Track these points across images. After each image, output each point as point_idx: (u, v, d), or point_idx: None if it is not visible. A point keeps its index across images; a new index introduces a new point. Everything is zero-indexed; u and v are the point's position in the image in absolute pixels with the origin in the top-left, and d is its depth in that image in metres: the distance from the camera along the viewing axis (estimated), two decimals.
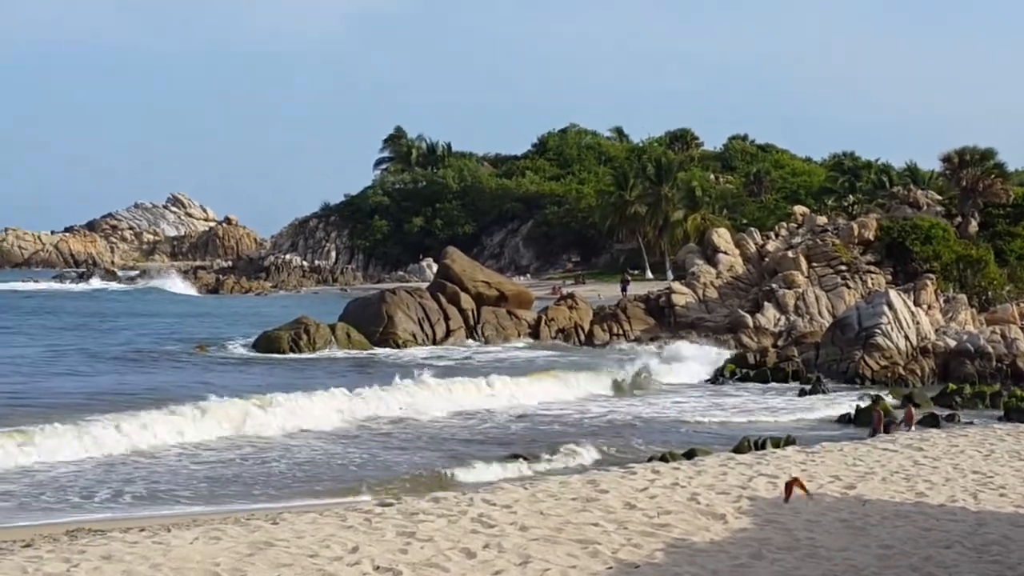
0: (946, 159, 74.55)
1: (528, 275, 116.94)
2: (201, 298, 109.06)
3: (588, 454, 28.08)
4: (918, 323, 52.57)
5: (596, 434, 32.36)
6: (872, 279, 63.38)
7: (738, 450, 30.24)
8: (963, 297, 60.15)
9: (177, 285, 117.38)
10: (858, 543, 15.75)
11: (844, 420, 37.20)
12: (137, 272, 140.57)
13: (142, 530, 18.59)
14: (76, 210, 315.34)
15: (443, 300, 63.65)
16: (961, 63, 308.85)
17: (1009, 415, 39.40)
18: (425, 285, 71.78)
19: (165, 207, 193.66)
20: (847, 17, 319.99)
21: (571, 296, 71.68)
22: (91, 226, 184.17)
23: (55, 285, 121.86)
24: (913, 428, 31.77)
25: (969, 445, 25.10)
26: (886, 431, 32.09)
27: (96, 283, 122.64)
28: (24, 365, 49.11)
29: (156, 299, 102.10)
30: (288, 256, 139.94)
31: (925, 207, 73.93)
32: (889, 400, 41.09)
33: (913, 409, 35.46)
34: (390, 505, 17.73)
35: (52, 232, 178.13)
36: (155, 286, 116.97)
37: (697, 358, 52.99)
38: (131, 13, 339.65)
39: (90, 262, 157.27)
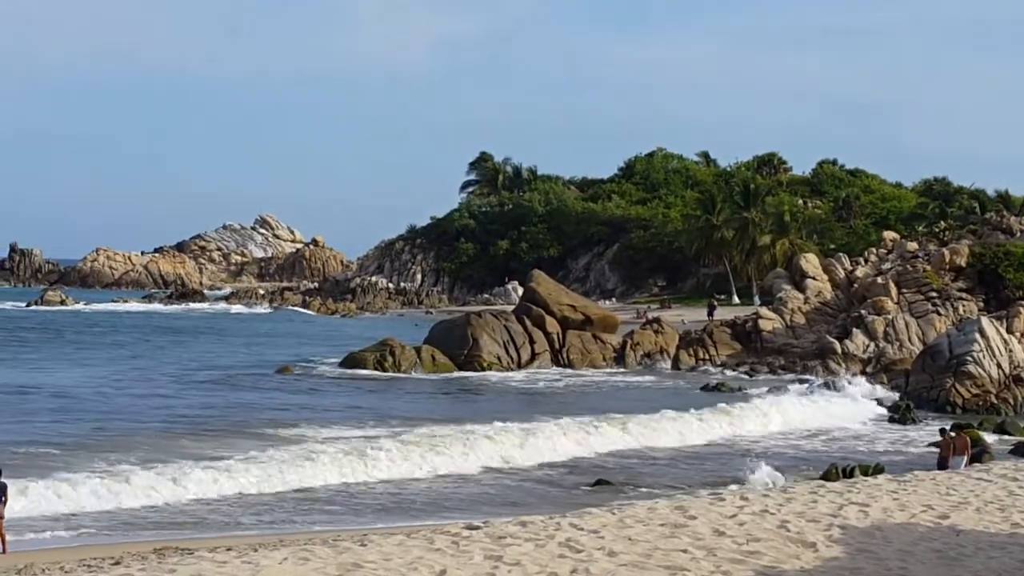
0: None
1: (613, 299, 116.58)
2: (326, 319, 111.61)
3: None
4: (1011, 351, 51.72)
5: None
6: (963, 306, 62.53)
7: (826, 477, 30.00)
8: None
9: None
10: (952, 574, 15.48)
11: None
12: (226, 292, 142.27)
13: (229, 549, 18.68)
14: (166, 231, 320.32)
15: (528, 323, 63.64)
16: None
17: None
18: (510, 308, 71.89)
19: (253, 228, 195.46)
20: (942, 46, 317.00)
21: (657, 320, 71.41)
22: (180, 247, 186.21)
23: (200, 306, 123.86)
24: (965, 460, 29.89)
25: None
26: (978, 460, 31.59)
27: (236, 307, 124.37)
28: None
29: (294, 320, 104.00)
30: (374, 278, 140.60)
31: (1019, 234, 72.92)
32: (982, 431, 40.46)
33: (967, 439, 32.21)
34: (477, 528, 17.66)
35: (142, 253, 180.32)
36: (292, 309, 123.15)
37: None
38: (224, 41, 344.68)
39: (179, 283, 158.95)
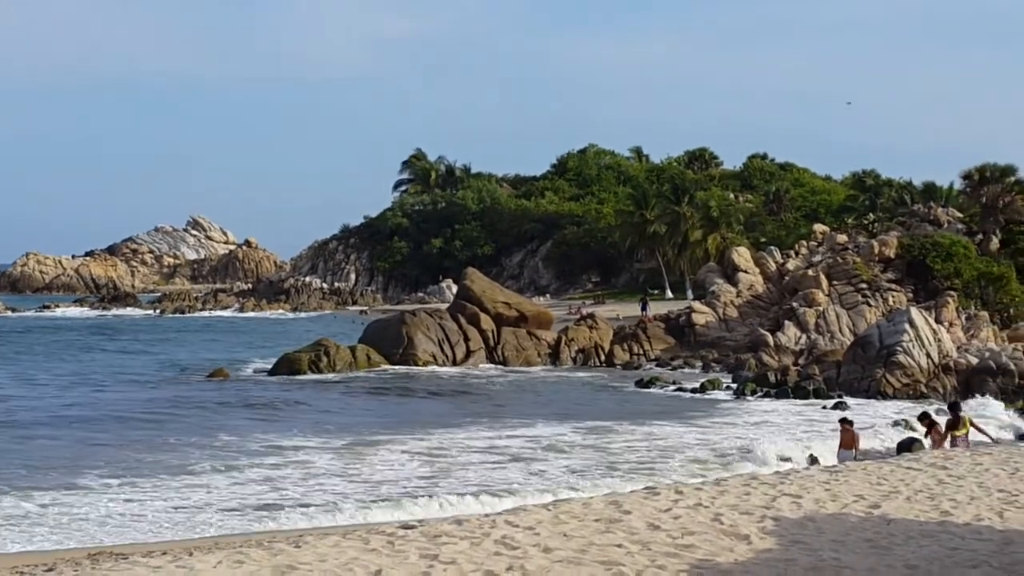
0: (967, 176, 74.46)
1: (548, 295, 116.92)
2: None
3: None
4: (940, 340, 52.36)
5: None
6: (893, 297, 63.24)
7: (764, 464, 30.35)
8: (984, 314, 59.97)
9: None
10: (884, 563, 15.63)
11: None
12: (157, 297, 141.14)
13: (164, 553, 18.58)
14: (98, 234, 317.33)
15: (463, 321, 63.66)
16: (980, 84, 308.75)
17: None
18: (445, 306, 71.86)
19: (185, 230, 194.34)
20: (868, 41, 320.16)
21: (591, 316, 71.64)
22: (112, 250, 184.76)
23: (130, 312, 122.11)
24: (854, 454, 29.21)
25: (994, 463, 24.90)
26: (908, 449, 31.89)
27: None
28: None
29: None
30: (308, 278, 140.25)
31: (946, 224, 73.85)
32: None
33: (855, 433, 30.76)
34: (413, 527, 17.66)
35: (73, 256, 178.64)
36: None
37: None
38: (154, 40, 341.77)
39: (111, 286, 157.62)
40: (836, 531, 17.58)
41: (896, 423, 39.35)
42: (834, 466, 26.01)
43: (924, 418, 30.95)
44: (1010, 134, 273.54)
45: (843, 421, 30.45)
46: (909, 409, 43.47)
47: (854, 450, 29.25)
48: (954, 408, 31.06)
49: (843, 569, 15.22)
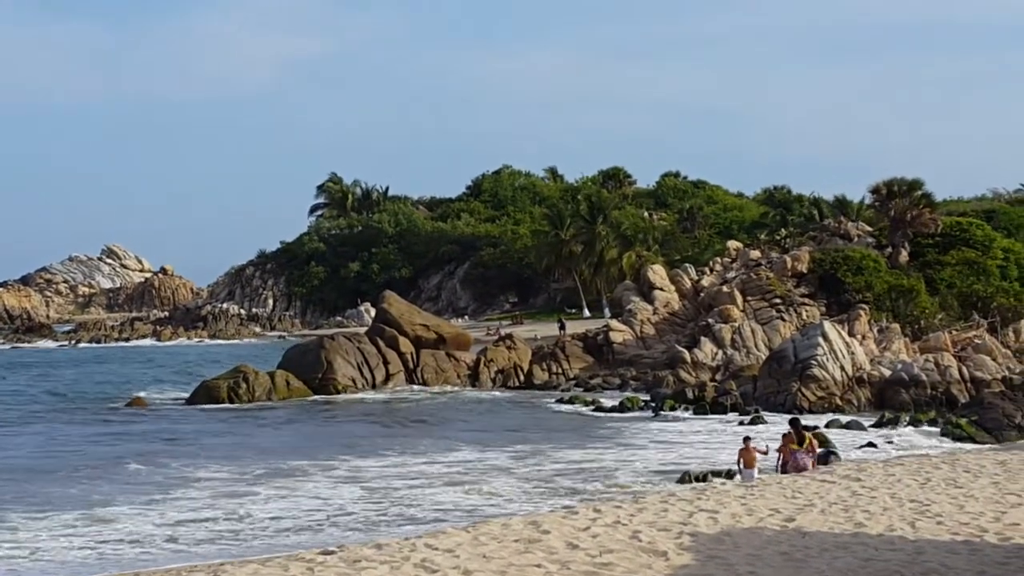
0: (875, 190, 75.43)
1: (466, 317, 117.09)
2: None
3: None
4: (853, 353, 53.07)
5: None
6: (807, 311, 63.97)
7: (681, 481, 30.56)
8: (896, 327, 60.79)
9: None
10: (798, 575, 15.89)
11: None
12: (72, 327, 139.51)
13: None
14: (9, 265, 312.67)
15: (382, 344, 63.58)
16: (887, 99, 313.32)
17: (946, 440, 39.99)
18: (363, 330, 71.67)
19: (100, 259, 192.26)
20: (781, 55, 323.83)
21: (509, 336, 71.78)
22: (25, 280, 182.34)
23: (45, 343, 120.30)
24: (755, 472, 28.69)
25: (906, 474, 25.36)
26: (824, 462, 32.26)
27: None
28: None
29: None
30: (225, 305, 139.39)
31: (856, 238, 74.88)
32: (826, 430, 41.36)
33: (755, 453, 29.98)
34: (332, 553, 17.68)
35: None
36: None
37: None
38: (64, 66, 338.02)
39: (25, 316, 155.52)
40: (752, 545, 17.83)
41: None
42: (750, 481, 26.31)
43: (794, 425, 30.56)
44: (919, 146, 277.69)
45: (746, 439, 30.56)
46: (827, 422, 44.12)
47: (756, 468, 29.12)
48: (795, 424, 30.58)
49: None
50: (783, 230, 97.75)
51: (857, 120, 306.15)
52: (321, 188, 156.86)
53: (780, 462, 29.45)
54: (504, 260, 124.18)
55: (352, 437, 43.31)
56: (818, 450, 31.10)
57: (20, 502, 29.61)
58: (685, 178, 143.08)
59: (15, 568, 22.88)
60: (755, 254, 73.57)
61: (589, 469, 34.94)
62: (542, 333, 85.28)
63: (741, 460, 29.21)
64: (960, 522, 19.57)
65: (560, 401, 55.49)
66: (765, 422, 45.14)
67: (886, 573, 15.90)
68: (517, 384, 63.89)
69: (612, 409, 51.94)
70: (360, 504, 29.30)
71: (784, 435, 29.77)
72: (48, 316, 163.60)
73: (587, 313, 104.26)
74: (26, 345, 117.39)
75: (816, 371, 51.26)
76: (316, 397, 58.00)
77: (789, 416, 36.51)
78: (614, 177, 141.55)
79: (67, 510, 28.39)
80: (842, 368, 51.98)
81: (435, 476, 33.83)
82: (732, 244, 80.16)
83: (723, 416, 48.79)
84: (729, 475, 31.02)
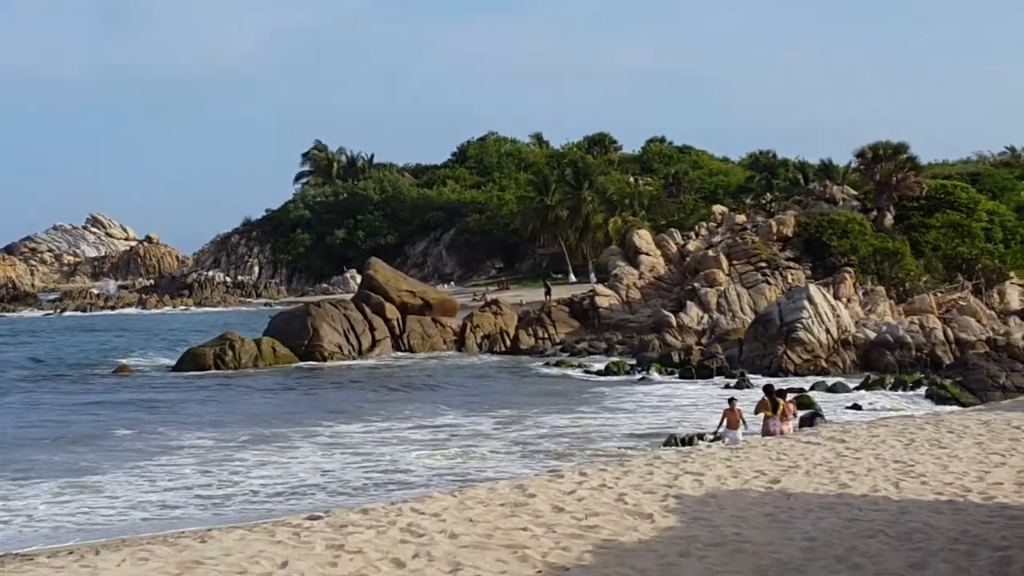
0: (860, 154, 75.52)
1: (452, 283, 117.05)
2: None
3: None
4: (838, 316, 53.21)
5: None
6: (792, 275, 64.09)
7: (667, 444, 30.67)
8: (881, 289, 60.96)
9: None
10: (783, 537, 15.91)
11: None
12: (58, 295, 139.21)
13: (71, 553, 18.45)
14: None
15: (368, 311, 63.55)
16: (876, 61, 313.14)
17: (931, 401, 40.21)
18: (349, 297, 71.64)
19: (85, 228, 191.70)
20: (758, 24, 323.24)
21: (495, 302, 71.81)
22: (9, 249, 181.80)
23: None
24: (740, 433, 28.61)
25: (890, 435, 25.42)
26: (809, 424, 32.37)
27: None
28: None
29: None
30: (211, 273, 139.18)
31: (841, 202, 74.94)
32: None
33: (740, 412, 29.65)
34: (319, 518, 17.69)
35: None
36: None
37: None
38: (51, 38, 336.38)
39: (10, 286, 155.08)
40: (737, 507, 17.87)
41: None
42: (735, 443, 26.37)
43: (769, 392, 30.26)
44: (904, 111, 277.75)
45: (731, 401, 30.53)
46: (812, 384, 44.29)
47: (740, 429, 29.10)
48: (768, 390, 30.31)
49: (744, 544, 15.48)
50: (768, 194, 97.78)
51: (844, 85, 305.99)
52: (306, 156, 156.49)
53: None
54: (490, 226, 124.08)
55: (338, 403, 43.37)
56: (798, 414, 31.12)
57: (6, 469, 29.62)
58: (671, 143, 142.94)
59: (13, 535, 22.90)
60: (740, 218, 73.63)
61: (575, 433, 35.05)
62: (528, 298, 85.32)
63: (725, 421, 29.24)
64: (944, 482, 19.63)
65: (546, 366, 55.60)
66: (751, 385, 45.24)
67: (870, 533, 15.95)
68: (503, 349, 63.95)
69: (598, 373, 52.08)
70: (346, 470, 29.34)
71: (759, 402, 29.71)
72: (33, 285, 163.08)
73: (573, 278, 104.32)
74: (11, 314, 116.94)
75: (801, 334, 51.40)
76: (302, 364, 58.00)
77: (765, 382, 36.36)
78: (599, 143, 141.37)
79: (53, 477, 28.39)
80: (827, 331, 52.11)
81: (421, 441, 33.88)
82: (717, 208, 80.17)
83: (709, 380, 48.93)
84: (716, 438, 31.11)
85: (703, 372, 50.33)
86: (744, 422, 29.06)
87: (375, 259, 71.66)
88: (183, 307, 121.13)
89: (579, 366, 54.63)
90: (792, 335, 51.53)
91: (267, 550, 15.49)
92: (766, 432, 28.47)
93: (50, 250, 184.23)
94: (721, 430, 29.44)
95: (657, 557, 14.92)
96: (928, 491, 18.92)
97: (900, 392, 43.79)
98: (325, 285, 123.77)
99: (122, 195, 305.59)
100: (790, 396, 30.10)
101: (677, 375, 50.56)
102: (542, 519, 17.08)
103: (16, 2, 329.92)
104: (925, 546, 15.11)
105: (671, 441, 31.46)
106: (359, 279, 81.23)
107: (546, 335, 65.64)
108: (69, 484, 27.66)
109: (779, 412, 28.89)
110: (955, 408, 38.18)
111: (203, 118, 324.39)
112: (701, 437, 30.86)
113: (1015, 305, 62.52)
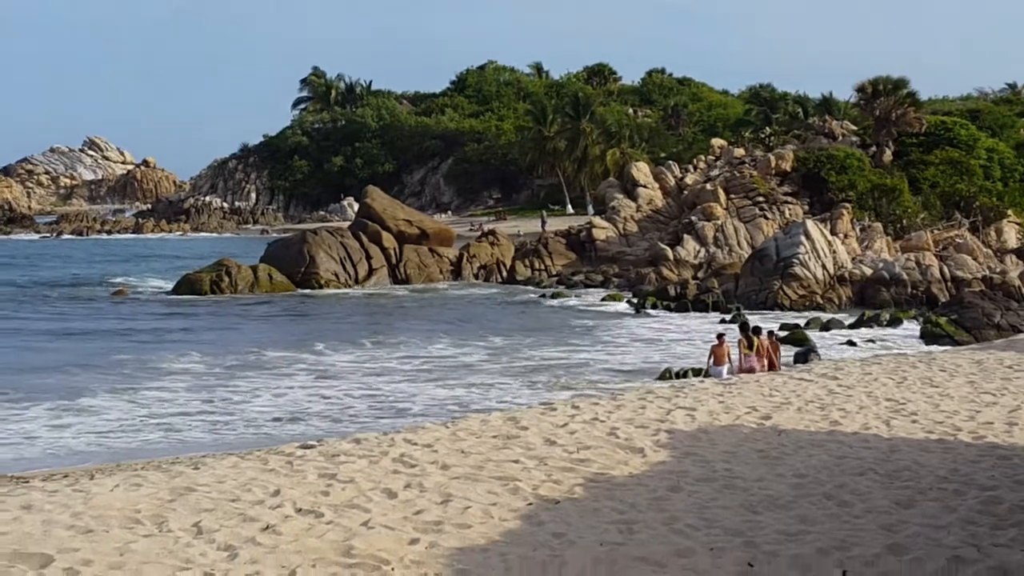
0: (860, 89, 75.16)
1: (449, 212, 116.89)
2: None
3: None
4: (835, 252, 53.20)
5: None
6: (790, 210, 64.02)
7: (661, 378, 30.76)
8: (878, 225, 60.91)
9: None
10: (774, 473, 15.97)
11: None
12: (55, 218, 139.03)
13: (65, 476, 18.53)
14: None
15: (364, 239, 63.50)
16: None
17: (925, 338, 40.24)
18: (346, 225, 71.58)
19: (82, 150, 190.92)
20: None
21: (492, 232, 71.75)
22: (6, 171, 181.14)
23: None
24: (725, 370, 28.35)
25: (883, 373, 25.47)
26: (804, 360, 32.42)
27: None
28: None
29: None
30: (208, 198, 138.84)
31: (840, 137, 74.65)
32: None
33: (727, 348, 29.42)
34: (312, 447, 17.75)
35: None
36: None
37: None
38: None
39: (6, 207, 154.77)
40: (728, 443, 17.93)
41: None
42: (728, 379, 26.42)
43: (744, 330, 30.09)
44: (906, 46, 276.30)
45: (720, 336, 30.37)
46: (807, 320, 44.35)
47: (725, 366, 28.81)
48: (744, 328, 30.14)
49: (734, 479, 15.54)
50: (767, 128, 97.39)
51: (844, 20, 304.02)
52: (304, 82, 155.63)
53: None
54: (488, 156, 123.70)
55: (333, 331, 43.42)
56: (780, 352, 30.58)
57: (3, 390, 29.68)
58: (671, 75, 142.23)
59: (12, 458, 22.98)
60: (739, 152, 73.40)
61: (568, 365, 35.14)
62: (525, 229, 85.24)
63: (712, 356, 29.16)
64: (935, 420, 19.69)
65: (542, 297, 55.64)
66: (744, 319, 45.25)
67: (859, 471, 16.01)
68: (500, 280, 64.00)
69: (594, 306, 52.12)
70: (339, 399, 29.44)
71: (739, 340, 29.54)
72: (30, 207, 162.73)
73: (570, 210, 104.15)
74: (7, 236, 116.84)
75: (798, 269, 51.41)
76: (298, 291, 58.06)
77: (741, 321, 36.29)
78: (599, 73, 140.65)
79: (52, 400, 28.46)
80: (824, 267, 52.13)
81: (414, 371, 33.97)
82: (716, 142, 79.90)
83: (705, 314, 48.97)
84: (707, 374, 31.16)
85: (699, 306, 50.36)
86: (731, 359, 28.94)
87: (372, 187, 71.50)
88: (180, 232, 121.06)
89: (575, 297, 54.68)
90: (788, 270, 51.54)
91: (259, 478, 15.55)
92: (741, 370, 28.21)
93: (47, 172, 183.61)
94: (708, 365, 29.37)
95: (647, 491, 14.98)
96: (919, 429, 18.99)
97: (895, 329, 43.87)
98: (322, 212, 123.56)
99: (119, 119, 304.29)
100: (764, 333, 29.76)
101: (673, 309, 50.59)
102: (533, 452, 17.14)
103: None
104: (914, 484, 15.18)
105: (665, 375, 31.53)
106: (356, 207, 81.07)
107: (542, 267, 65.67)
108: (65, 408, 27.74)
109: (754, 349, 28.73)
110: (948, 347, 38.25)
111: (202, 43, 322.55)
112: (697, 373, 30.89)
113: (1012, 243, 62.56)
